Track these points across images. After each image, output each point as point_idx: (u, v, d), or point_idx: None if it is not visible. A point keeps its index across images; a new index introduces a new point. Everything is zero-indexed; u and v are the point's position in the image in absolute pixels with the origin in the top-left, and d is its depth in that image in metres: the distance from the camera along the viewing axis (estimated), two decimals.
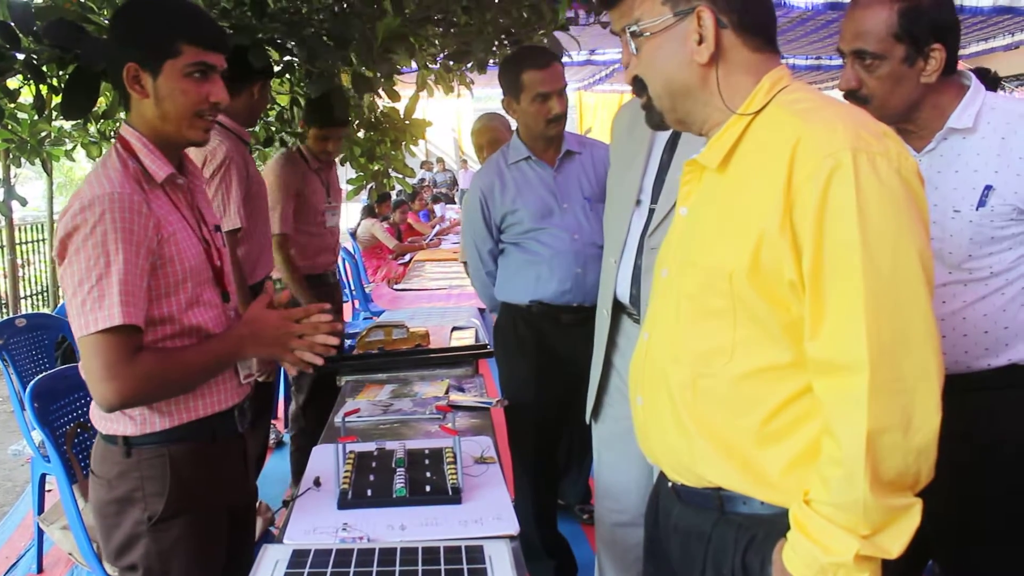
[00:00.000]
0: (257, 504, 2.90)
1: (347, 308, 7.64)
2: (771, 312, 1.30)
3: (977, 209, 1.86)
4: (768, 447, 1.34)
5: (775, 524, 1.33)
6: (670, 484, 1.52)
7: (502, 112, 3.62)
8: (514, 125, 3.28)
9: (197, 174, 2.01)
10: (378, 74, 3.34)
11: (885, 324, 1.20)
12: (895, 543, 1.23)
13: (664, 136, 2.21)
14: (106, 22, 2.39)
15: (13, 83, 2.64)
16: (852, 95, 1.91)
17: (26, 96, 3.14)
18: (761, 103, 1.36)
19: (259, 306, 1.96)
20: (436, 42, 3.93)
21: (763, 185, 1.29)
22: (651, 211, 2.18)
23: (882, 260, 1.20)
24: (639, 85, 1.47)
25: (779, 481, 1.33)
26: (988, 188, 1.85)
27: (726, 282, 1.33)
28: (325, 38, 2.78)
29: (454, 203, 17.59)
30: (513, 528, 1.87)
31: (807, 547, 1.25)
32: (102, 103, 3.72)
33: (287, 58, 3.39)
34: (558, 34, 3.84)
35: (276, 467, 4.75)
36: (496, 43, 3.88)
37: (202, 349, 1.86)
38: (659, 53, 1.41)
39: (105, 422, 1.87)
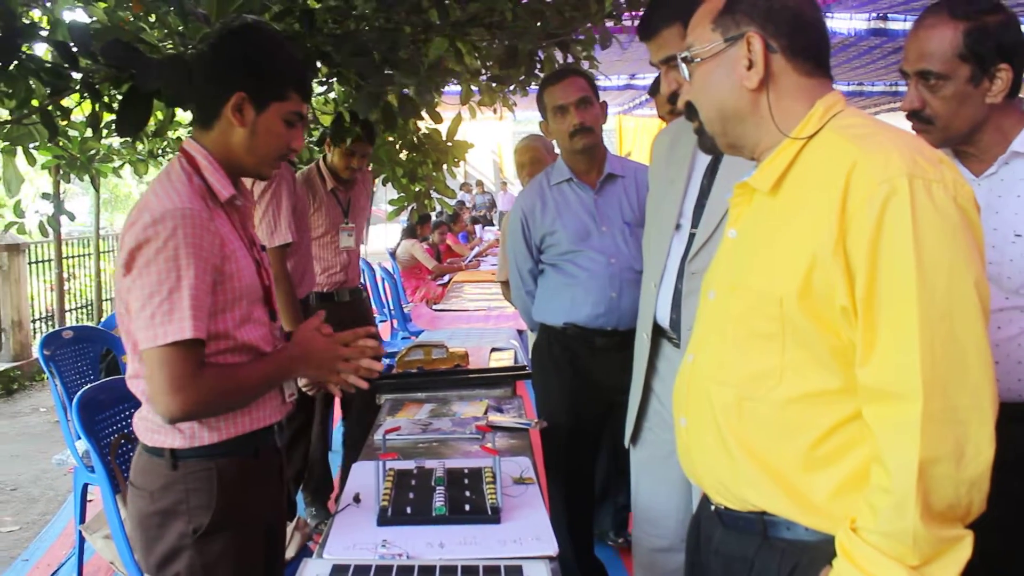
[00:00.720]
0: (296, 519, 2.93)
1: (385, 327, 7.70)
2: (821, 337, 1.30)
3: None
4: (815, 472, 1.33)
5: (820, 551, 1.31)
6: (712, 508, 1.51)
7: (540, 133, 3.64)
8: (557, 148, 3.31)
9: (249, 197, 2.05)
10: (424, 97, 3.37)
11: (940, 352, 1.19)
12: (945, 575, 1.21)
13: (704, 160, 2.21)
14: (159, 43, 2.45)
15: (68, 101, 2.71)
16: (916, 115, 1.90)
17: (77, 115, 3.21)
18: (815, 127, 1.36)
19: (309, 328, 2.00)
20: (482, 47, 3.94)
21: (816, 209, 1.29)
22: (691, 235, 2.18)
23: (937, 287, 1.19)
24: (691, 110, 1.49)
25: (825, 507, 1.32)
26: None
27: (776, 306, 1.33)
28: (374, 55, 2.81)
29: (492, 225, 17.64)
30: (552, 549, 1.87)
31: None
32: (152, 122, 3.79)
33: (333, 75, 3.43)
34: (600, 58, 3.86)
35: None
36: (540, 50, 3.89)
37: (256, 367, 1.89)
38: (710, 78, 1.43)
39: (151, 434, 1.88)
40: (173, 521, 1.86)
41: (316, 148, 4.87)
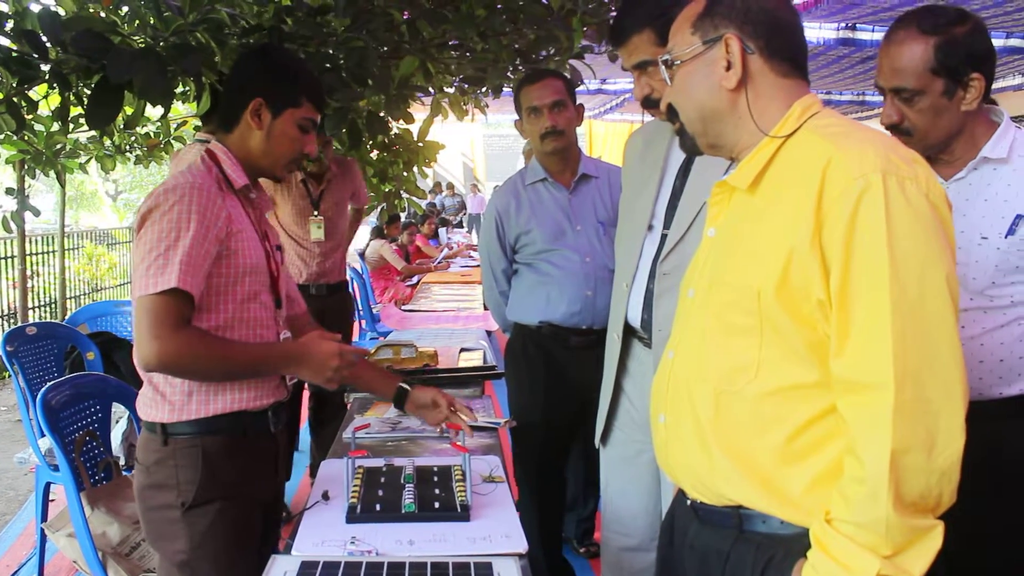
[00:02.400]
0: None
1: (354, 327, 7.66)
2: (797, 331, 1.32)
3: (1006, 237, 1.89)
4: (791, 465, 1.34)
5: (794, 544, 1.33)
6: (688, 502, 1.52)
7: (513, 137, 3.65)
8: (508, 149, 3.32)
9: (265, 197, 2.20)
10: (393, 114, 3.38)
11: (911, 344, 1.21)
12: (917, 564, 1.23)
13: (677, 162, 2.23)
14: (131, 35, 2.42)
15: (34, 94, 2.67)
16: (895, 129, 1.93)
17: (44, 109, 3.18)
18: (793, 127, 1.39)
19: (318, 334, 2.09)
20: (452, 67, 3.97)
21: (794, 204, 1.31)
22: (663, 236, 2.19)
23: (909, 280, 1.22)
24: (672, 112, 1.52)
25: (801, 500, 1.33)
26: (1019, 217, 1.88)
27: (754, 300, 1.35)
28: (343, 74, 2.81)
29: (461, 227, 17.61)
30: (522, 546, 1.87)
31: (828, 566, 1.25)
32: (121, 116, 3.76)
33: None
34: (573, 62, 3.87)
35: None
36: (511, 69, 3.91)
37: (248, 348, 2.00)
38: (690, 80, 1.46)
39: (146, 408, 2.00)
40: (164, 494, 1.98)
41: None
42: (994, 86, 1.99)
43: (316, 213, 4.37)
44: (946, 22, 1.86)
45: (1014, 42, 8.27)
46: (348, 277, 4.95)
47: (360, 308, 7.70)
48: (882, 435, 1.21)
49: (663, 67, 1.50)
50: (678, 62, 1.47)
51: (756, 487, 1.37)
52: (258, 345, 2.03)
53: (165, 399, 1.97)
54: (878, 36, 8.26)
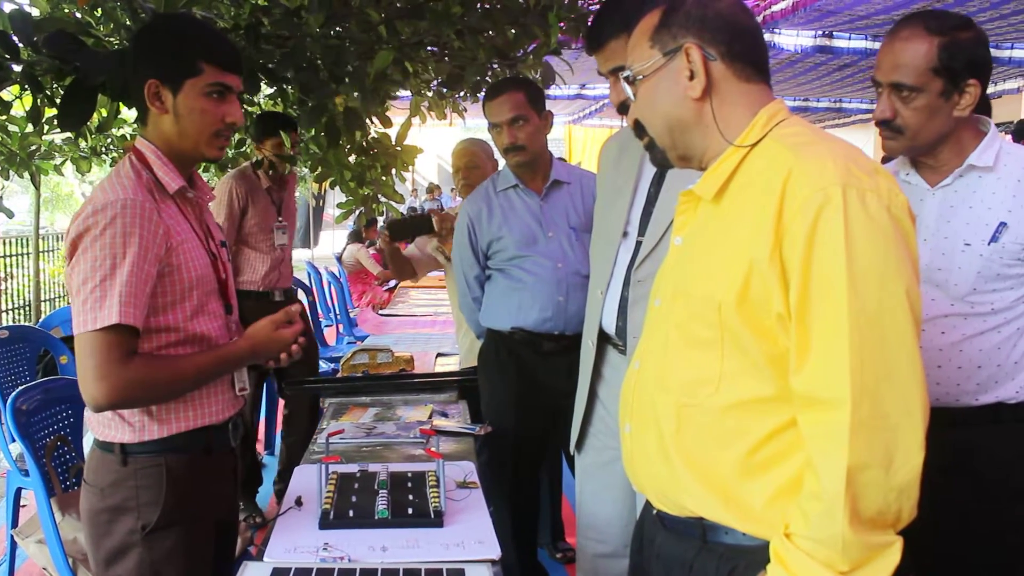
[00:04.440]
0: None
1: (331, 332, 7.64)
2: (758, 344, 1.31)
3: (989, 244, 1.91)
4: (751, 479, 1.34)
5: (757, 555, 1.32)
6: (655, 512, 1.53)
7: (490, 139, 3.65)
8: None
9: (205, 190, 2.06)
10: (368, 108, 3.38)
11: (869, 360, 1.21)
12: None
13: (651, 169, 2.23)
14: (106, 37, 2.41)
15: (7, 95, 2.65)
16: (886, 125, 1.94)
17: (18, 109, 3.15)
18: (758, 136, 1.38)
19: (265, 323, 2.01)
20: (430, 67, 3.96)
21: (755, 217, 1.30)
22: (638, 243, 2.20)
23: (868, 295, 1.21)
24: (639, 128, 1.51)
25: (762, 513, 1.33)
26: (1002, 225, 1.91)
27: (715, 312, 1.34)
28: (320, 72, 2.80)
29: None
30: (495, 552, 1.87)
31: None
32: (95, 118, 3.73)
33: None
34: (551, 59, 3.87)
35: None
36: (489, 68, 3.91)
37: (195, 359, 1.89)
38: (654, 94, 1.45)
39: (102, 428, 1.89)
40: (122, 517, 1.86)
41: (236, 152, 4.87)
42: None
43: (280, 219, 4.41)
44: (952, 26, 1.88)
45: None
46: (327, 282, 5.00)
47: (338, 312, 7.68)
48: (839, 451, 1.20)
49: (625, 84, 1.49)
50: (640, 77, 1.46)
51: (717, 500, 1.37)
52: (207, 354, 1.91)
53: (124, 420, 1.86)
54: (855, 44, 8.34)
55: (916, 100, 1.89)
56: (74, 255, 1.77)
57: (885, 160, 2.28)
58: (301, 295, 7.29)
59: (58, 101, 2.30)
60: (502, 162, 3.36)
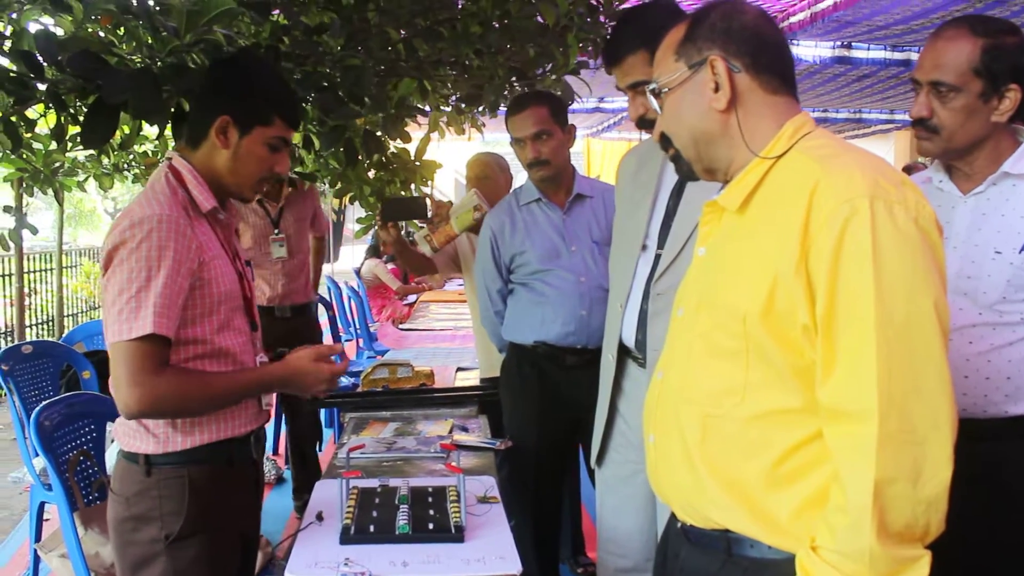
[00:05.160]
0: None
1: (351, 346, 7.66)
2: (783, 355, 1.31)
3: (1020, 252, 1.90)
4: (777, 491, 1.33)
5: (783, 568, 1.31)
6: (679, 525, 1.52)
7: (509, 153, 3.66)
8: (514, 165, 3.32)
9: (233, 213, 2.13)
10: (390, 134, 3.39)
11: (897, 373, 1.20)
12: None
13: (670, 182, 2.23)
14: (129, 55, 2.43)
15: (32, 113, 2.67)
16: (922, 124, 1.94)
17: (42, 127, 3.18)
18: (784, 147, 1.38)
19: (305, 356, 2.03)
20: (449, 84, 3.97)
21: (781, 228, 1.30)
22: (657, 256, 2.19)
23: (895, 308, 1.21)
24: (665, 141, 1.51)
25: (788, 526, 1.32)
26: None
27: (740, 323, 1.34)
28: (339, 92, 2.81)
29: None
30: (516, 568, 1.87)
31: None
32: (118, 135, 3.76)
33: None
34: (569, 78, 3.88)
35: (276, 503, 4.73)
36: (508, 86, 3.92)
37: (230, 378, 1.93)
38: (680, 106, 1.45)
39: (128, 439, 1.93)
40: (146, 526, 1.90)
41: None
42: None
43: (277, 231, 4.41)
44: (998, 29, 1.88)
45: None
46: (314, 300, 5.00)
47: (357, 327, 7.70)
48: (866, 465, 1.20)
49: (651, 96, 1.50)
50: (666, 90, 1.47)
51: (743, 512, 1.36)
52: (241, 373, 1.97)
53: (149, 431, 1.90)
54: (873, 54, 8.31)
55: (954, 100, 1.89)
56: (110, 267, 1.82)
57: (906, 172, 2.27)
58: (321, 310, 7.33)
59: (81, 119, 2.32)
60: (518, 176, 3.36)
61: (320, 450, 5.03)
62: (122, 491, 1.93)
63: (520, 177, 3.73)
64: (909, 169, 8.18)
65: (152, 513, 1.89)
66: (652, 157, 2.31)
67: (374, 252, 9.51)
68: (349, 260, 15.62)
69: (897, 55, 8.21)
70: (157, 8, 2.29)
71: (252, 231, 4.34)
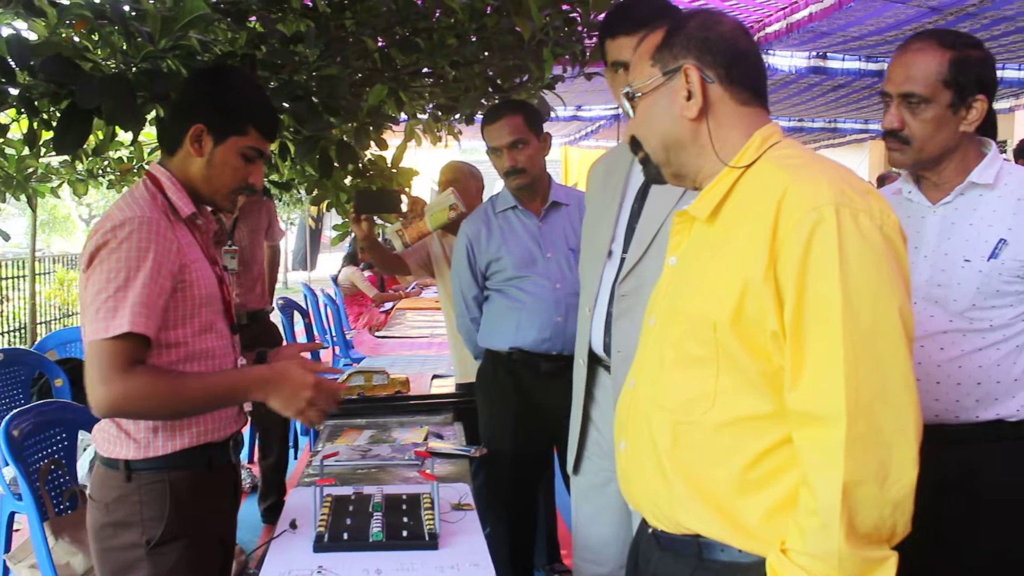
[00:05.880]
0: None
1: (327, 354, 7.62)
2: (753, 362, 1.32)
3: (989, 260, 1.94)
4: (748, 496, 1.34)
5: (753, 572, 1.32)
6: (650, 530, 1.52)
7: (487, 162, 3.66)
8: (487, 174, 3.32)
9: (211, 221, 2.12)
10: (362, 143, 3.38)
11: (864, 377, 1.22)
12: None
13: (636, 187, 2.24)
14: (103, 61, 2.42)
15: (4, 118, 2.65)
16: (894, 135, 1.97)
17: (15, 132, 3.15)
18: (752, 157, 1.40)
19: (294, 358, 2.02)
20: (425, 94, 3.97)
21: (750, 236, 1.31)
22: (622, 260, 2.20)
23: (862, 313, 1.23)
24: (635, 144, 1.52)
25: (758, 530, 1.33)
26: (1002, 241, 1.93)
27: (710, 331, 1.35)
28: (314, 99, 2.80)
29: None
30: (490, 575, 1.86)
31: None
32: (92, 141, 3.73)
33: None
34: (545, 93, 3.89)
35: (251, 511, 4.70)
36: (484, 97, 3.93)
37: (208, 380, 1.91)
38: (652, 111, 1.47)
39: (107, 444, 1.92)
40: (126, 532, 1.89)
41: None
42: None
43: (230, 243, 4.40)
44: (964, 43, 1.93)
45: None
46: (270, 307, 4.99)
47: (334, 334, 7.68)
48: (834, 468, 1.21)
49: (625, 100, 1.51)
50: (639, 94, 1.48)
51: (713, 516, 1.37)
52: (220, 375, 1.95)
53: (129, 437, 1.90)
54: (848, 65, 8.39)
55: (925, 111, 1.93)
56: (90, 268, 1.82)
57: (880, 181, 2.30)
58: (297, 317, 7.30)
59: (54, 124, 2.31)
60: (491, 183, 3.36)
61: (295, 457, 5.01)
62: (101, 497, 1.92)
63: (494, 187, 3.74)
64: (883, 179, 8.27)
65: (133, 519, 1.88)
66: (619, 164, 2.32)
67: (352, 259, 9.50)
68: (326, 267, 15.57)
69: (872, 66, 8.30)
70: (132, 14, 2.28)
71: None
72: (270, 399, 1.92)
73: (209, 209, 2.09)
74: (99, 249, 1.81)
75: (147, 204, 1.88)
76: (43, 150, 3.48)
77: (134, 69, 2.29)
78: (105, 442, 1.93)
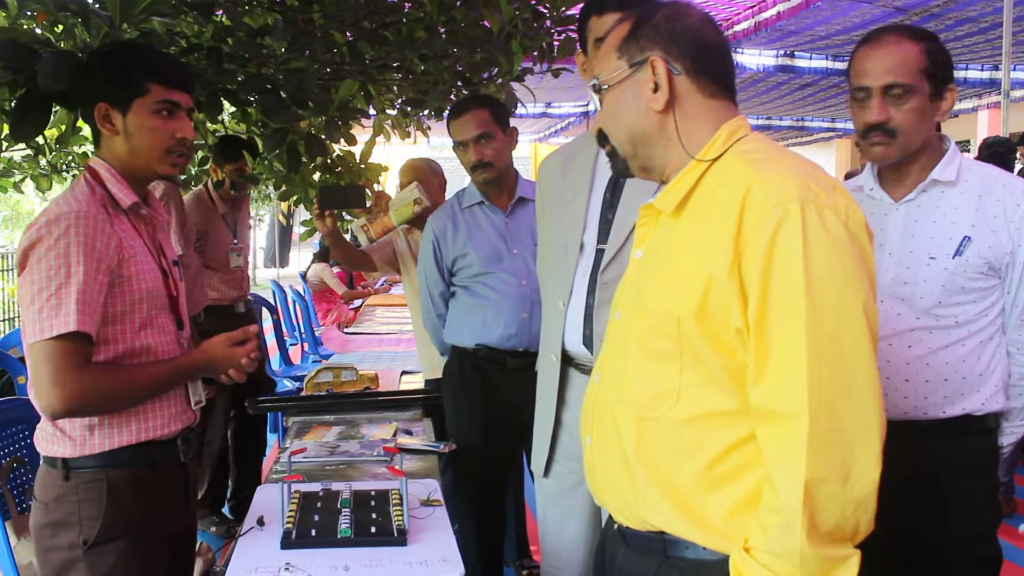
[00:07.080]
0: (198, 544, 2.85)
1: (296, 351, 7.58)
2: (717, 358, 1.32)
3: (953, 257, 1.95)
4: (712, 492, 1.34)
5: (718, 569, 1.32)
6: (616, 527, 1.52)
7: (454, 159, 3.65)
8: (449, 170, 3.31)
9: (159, 209, 2.08)
10: (331, 138, 3.36)
11: (827, 374, 1.22)
12: None
13: (604, 176, 2.22)
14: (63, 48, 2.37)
15: None
16: (880, 128, 1.96)
17: None
18: (719, 151, 1.39)
19: (220, 340, 2.02)
20: (394, 88, 3.95)
21: (714, 231, 1.31)
22: (599, 251, 2.19)
23: (825, 310, 1.22)
24: (602, 137, 1.51)
25: (722, 527, 1.33)
26: (966, 238, 1.95)
27: (674, 326, 1.34)
28: (282, 93, 2.78)
29: None
30: (459, 571, 1.86)
31: None
32: (54, 134, 3.68)
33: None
34: (515, 85, 3.88)
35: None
36: (453, 91, 3.91)
37: (149, 368, 1.91)
38: (619, 103, 1.46)
39: (46, 443, 1.90)
40: (65, 532, 1.87)
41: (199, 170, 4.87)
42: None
43: (235, 241, 4.56)
44: (928, 35, 1.96)
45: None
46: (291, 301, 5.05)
47: (303, 331, 7.63)
48: (796, 465, 1.21)
49: (592, 92, 1.50)
50: (606, 86, 1.47)
51: (677, 513, 1.37)
52: (162, 363, 1.94)
53: (65, 434, 1.87)
54: (816, 63, 8.46)
55: (910, 101, 1.93)
56: (26, 265, 1.79)
57: (848, 176, 2.31)
58: (265, 313, 7.25)
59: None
60: (456, 179, 3.35)
61: (264, 455, 4.98)
62: (42, 497, 1.91)
63: (457, 184, 3.72)
64: (851, 176, 8.35)
65: (71, 518, 1.86)
66: (580, 154, 2.31)
67: (323, 256, 9.45)
68: (298, 264, 15.45)
69: (839, 65, 8.38)
70: (96, 5, 2.24)
71: (218, 246, 4.50)
72: (207, 373, 2.04)
73: (160, 198, 2.05)
74: (34, 245, 1.78)
75: (84, 198, 1.85)
76: (5, 145, 3.42)
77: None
78: (44, 440, 1.91)
